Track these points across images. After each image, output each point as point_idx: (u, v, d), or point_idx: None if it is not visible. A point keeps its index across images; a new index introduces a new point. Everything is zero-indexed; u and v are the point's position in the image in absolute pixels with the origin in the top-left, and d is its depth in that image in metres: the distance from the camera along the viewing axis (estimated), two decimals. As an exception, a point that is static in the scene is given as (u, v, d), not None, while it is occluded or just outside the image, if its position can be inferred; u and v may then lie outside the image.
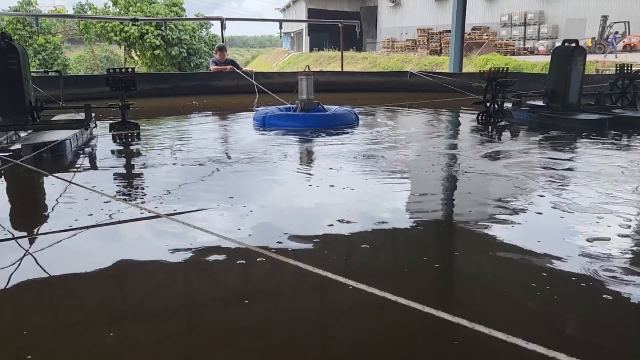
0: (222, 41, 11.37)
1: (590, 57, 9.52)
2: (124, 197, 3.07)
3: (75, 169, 3.96)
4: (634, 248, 2.25)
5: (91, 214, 2.65)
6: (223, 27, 10.99)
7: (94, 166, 4.10)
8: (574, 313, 1.76)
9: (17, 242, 2.35)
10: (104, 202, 2.84)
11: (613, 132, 5.46)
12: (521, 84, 7.21)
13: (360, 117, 6.28)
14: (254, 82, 9.05)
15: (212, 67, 9.94)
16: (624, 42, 25.16)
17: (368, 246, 2.33)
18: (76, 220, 2.57)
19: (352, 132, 5.51)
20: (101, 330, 1.64)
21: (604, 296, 1.82)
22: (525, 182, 3.39)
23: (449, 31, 13.90)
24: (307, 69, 6.17)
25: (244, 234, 2.41)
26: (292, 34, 47.09)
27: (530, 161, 4.04)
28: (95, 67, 34.48)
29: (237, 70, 9.67)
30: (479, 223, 2.63)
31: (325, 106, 6.07)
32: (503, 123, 6.19)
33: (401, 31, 36.72)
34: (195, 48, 27.77)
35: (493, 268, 2.17)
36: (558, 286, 1.91)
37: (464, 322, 1.35)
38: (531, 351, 1.24)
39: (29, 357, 1.48)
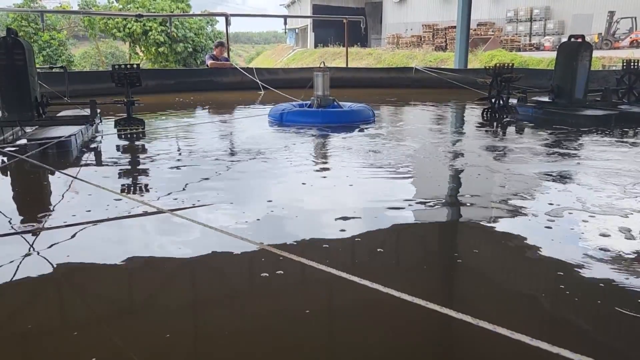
0: (227, 37, 11.36)
1: (596, 53, 9.44)
2: (129, 192, 3.08)
3: (81, 165, 3.97)
4: (640, 245, 2.24)
5: (96, 210, 2.66)
6: (228, 23, 10.97)
7: (99, 162, 4.11)
8: (580, 311, 1.76)
9: (22, 237, 2.36)
10: (108, 198, 2.85)
11: (619, 128, 5.43)
12: (527, 80, 7.17)
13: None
14: (258, 79, 9.05)
15: (209, 62, 9.95)
16: (631, 37, 24.93)
17: (372, 243, 2.33)
18: (80, 215, 2.58)
19: (367, 128, 5.50)
20: (106, 325, 1.65)
21: (610, 294, 1.81)
22: (531, 179, 3.37)
23: (455, 27, 13.84)
24: (322, 65, 6.13)
25: (252, 230, 2.42)
26: (296, 30, 46.96)
27: (535, 157, 4.02)
28: (101, 63, 34.52)
29: (236, 66, 9.76)
30: (485, 220, 2.62)
31: (340, 102, 6.04)
32: (508, 119, 6.16)
33: (406, 27, 36.55)
34: (202, 45, 27.79)
35: (498, 265, 2.17)
36: (563, 283, 1.90)
37: (468, 319, 1.35)
38: (535, 347, 1.24)
39: (34, 350, 1.49)
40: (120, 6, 26.76)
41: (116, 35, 27.02)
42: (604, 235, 2.31)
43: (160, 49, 26.56)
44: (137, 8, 25.24)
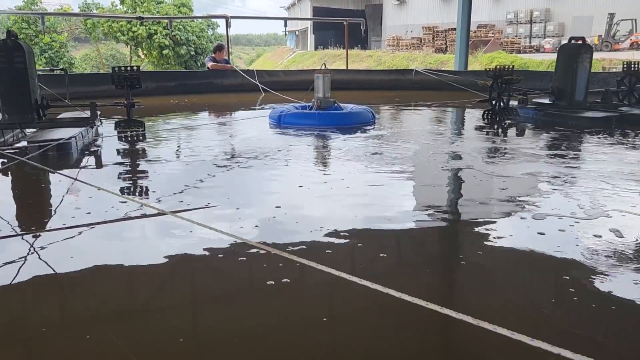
0: (227, 39, 11.38)
1: (596, 55, 9.45)
2: (130, 195, 3.08)
3: (81, 167, 3.97)
4: (641, 246, 2.24)
5: (96, 212, 2.66)
6: (228, 25, 10.98)
7: (99, 164, 4.11)
8: (580, 311, 1.75)
9: (23, 239, 2.36)
10: (109, 200, 2.85)
11: (620, 130, 5.42)
12: (527, 82, 7.17)
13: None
14: (257, 81, 9.08)
15: (210, 65, 9.96)
16: (631, 39, 24.95)
17: (373, 245, 2.33)
18: (81, 217, 2.58)
19: (368, 130, 5.50)
20: (107, 327, 1.64)
21: (611, 295, 1.81)
22: (532, 181, 3.37)
23: (455, 29, 13.85)
24: (323, 67, 6.13)
25: (251, 231, 2.41)
26: (297, 32, 47.03)
27: (536, 160, 4.02)
28: (101, 66, 34.60)
29: (236, 69, 9.78)
30: (485, 222, 2.62)
31: (341, 104, 6.04)
32: (509, 121, 6.17)
33: (406, 29, 36.58)
34: (203, 48, 27.95)
35: (498, 267, 2.16)
36: (563, 284, 1.90)
37: (469, 319, 1.35)
38: (536, 347, 1.24)
39: (34, 352, 1.49)
40: (125, 9, 26.84)
41: (120, 38, 27.09)
42: (597, 236, 2.31)
43: (164, 52, 26.68)
44: (142, 12, 25.35)
